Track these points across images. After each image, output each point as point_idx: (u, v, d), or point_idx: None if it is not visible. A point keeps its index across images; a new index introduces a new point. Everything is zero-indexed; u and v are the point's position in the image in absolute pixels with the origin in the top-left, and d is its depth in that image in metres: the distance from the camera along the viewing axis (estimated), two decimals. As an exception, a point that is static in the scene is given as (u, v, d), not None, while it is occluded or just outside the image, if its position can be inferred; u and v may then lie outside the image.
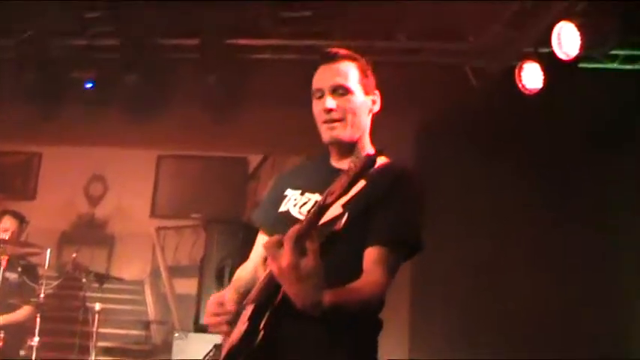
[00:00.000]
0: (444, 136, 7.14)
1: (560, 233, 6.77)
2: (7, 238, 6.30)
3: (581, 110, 6.44)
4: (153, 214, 8.35)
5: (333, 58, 2.64)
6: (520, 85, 6.48)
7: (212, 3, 6.96)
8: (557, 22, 5.82)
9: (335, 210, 2.34)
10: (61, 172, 8.47)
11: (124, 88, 7.85)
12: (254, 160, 8.25)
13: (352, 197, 2.30)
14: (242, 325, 2.35)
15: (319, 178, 2.60)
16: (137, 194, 8.36)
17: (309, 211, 2.25)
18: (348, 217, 2.31)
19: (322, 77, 2.63)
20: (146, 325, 7.94)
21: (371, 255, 2.39)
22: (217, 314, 2.53)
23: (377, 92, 2.69)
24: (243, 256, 2.91)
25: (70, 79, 8.00)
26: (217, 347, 2.71)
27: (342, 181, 2.08)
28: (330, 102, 2.58)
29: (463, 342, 6.50)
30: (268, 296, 2.32)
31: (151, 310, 8.01)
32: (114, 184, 8.43)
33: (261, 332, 2.30)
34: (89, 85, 7.99)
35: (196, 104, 7.89)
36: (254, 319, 2.33)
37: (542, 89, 6.34)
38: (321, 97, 2.61)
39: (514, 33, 6.72)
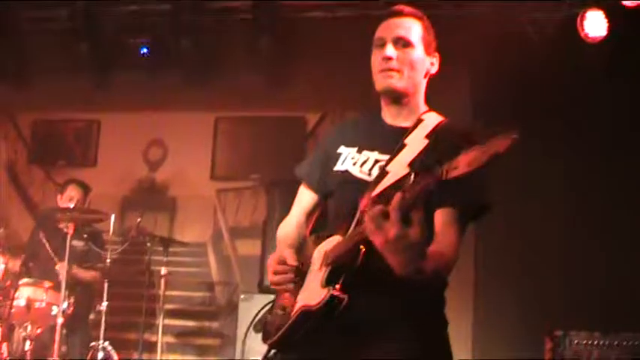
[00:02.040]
0: (502, 95, 6.91)
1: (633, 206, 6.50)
2: (72, 206, 6.42)
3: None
4: (212, 176, 8.38)
5: (399, 13, 2.66)
6: (583, 34, 6.28)
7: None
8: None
9: (401, 170, 2.42)
10: (120, 138, 8.54)
11: (178, 52, 7.87)
12: (312, 118, 8.18)
13: (417, 156, 2.43)
14: (321, 289, 2.33)
15: (376, 135, 2.63)
16: (196, 157, 8.39)
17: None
18: (414, 176, 2.31)
19: (386, 28, 2.64)
20: (210, 286, 8.05)
21: (442, 216, 2.39)
22: (281, 272, 2.56)
23: (437, 55, 2.70)
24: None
25: (123, 46, 8.05)
26: (273, 303, 2.73)
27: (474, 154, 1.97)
28: (391, 50, 2.59)
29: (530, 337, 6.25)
30: (348, 261, 2.30)
31: (215, 272, 8.08)
32: (172, 148, 8.47)
33: (346, 298, 2.28)
34: (144, 51, 8.02)
35: (251, 65, 7.88)
36: (333, 283, 2.31)
37: (606, 37, 6.15)
38: (382, 45, 2.62)
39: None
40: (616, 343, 5.45)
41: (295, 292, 2.50)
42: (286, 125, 8.27)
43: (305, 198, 2.85)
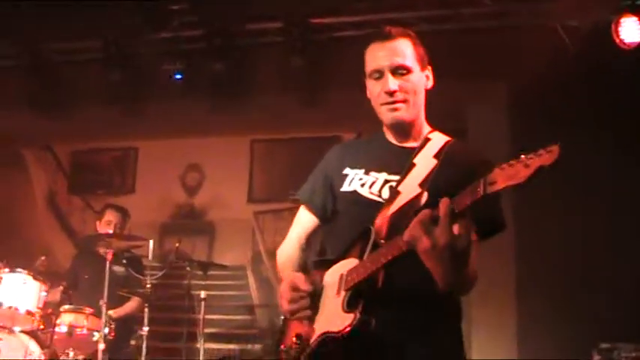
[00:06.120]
0: (538, 103, 6.82)
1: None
2: (111, 231, 6.45)
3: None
4: (250, 199, 8.39)
5: (389, 36, 2.58)
6: (618, 41, 6.18)
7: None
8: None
9: (413, 190, 2.41)
10: (157, 164, 8.61)
11: (212, 77, 7.94)
12: (347, 137, 8.13)
13: (427, 177, 2.41)
14: (345, 314, 2.27)
15: (383, 156, 2.61)
16: (233, 180, 8.42)
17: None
18: (427, 196, 2.36)
19: (380, 56, 2.57)
20: (251, 309, 8.03)
21: None
22: (296, 300, 2.47)
23: (429, 67, 2.64)
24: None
25: (158, 73, 8.12)
26: (282, 333, 2.66)
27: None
28: (393, 83, 2.53)
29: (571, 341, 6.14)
30: (369, 283, 2.27)
31: (255, 295, 8.07)
32: (210, 172, 8.52)
33: (373, 321, 2.23)
34: (178, 77, 8.09)
35: (285, 86, 7.91)
36: (356, 307, 2.26)
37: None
38: (380, 77, 2.57)
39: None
40: (664, 354, 5.32)
41: (311, 319, 2.44)
42: (322, 145, 8.21)
43: (305, 220, 2.80)
